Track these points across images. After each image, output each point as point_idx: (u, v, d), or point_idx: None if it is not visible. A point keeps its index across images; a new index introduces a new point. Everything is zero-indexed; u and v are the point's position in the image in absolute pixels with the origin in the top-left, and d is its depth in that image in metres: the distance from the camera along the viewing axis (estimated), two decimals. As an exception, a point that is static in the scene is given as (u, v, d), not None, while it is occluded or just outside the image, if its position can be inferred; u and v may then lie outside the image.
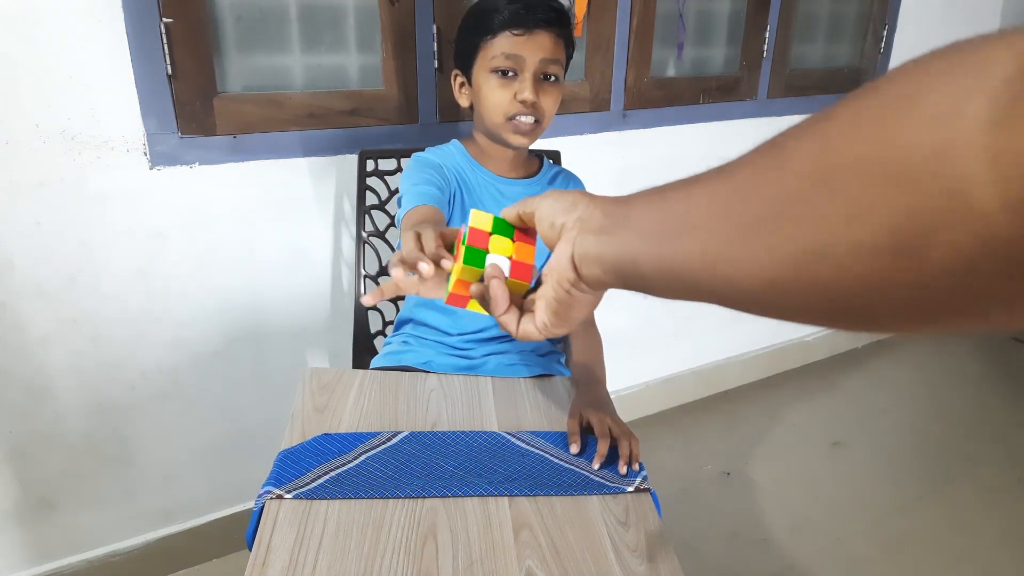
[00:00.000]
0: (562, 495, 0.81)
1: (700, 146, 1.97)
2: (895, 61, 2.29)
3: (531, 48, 1.05)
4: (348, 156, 1.45)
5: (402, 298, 1.41)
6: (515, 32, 1.04)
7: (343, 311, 1.55)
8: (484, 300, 0.56)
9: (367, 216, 1.36)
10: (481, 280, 0.57)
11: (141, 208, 1.30)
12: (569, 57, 1.13)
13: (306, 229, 1.47)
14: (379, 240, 1.37)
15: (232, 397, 1.49)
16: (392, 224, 1.39)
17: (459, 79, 1.15)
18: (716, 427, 2.16)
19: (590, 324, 1.21)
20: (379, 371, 1.07)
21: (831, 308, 0.30)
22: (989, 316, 0.26)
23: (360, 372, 1.04)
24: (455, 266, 0.57)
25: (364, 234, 1.36)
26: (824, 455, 2.04)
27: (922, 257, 0.25)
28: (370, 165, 1.37)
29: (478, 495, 0.79)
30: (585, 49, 1.70)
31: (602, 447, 0.87)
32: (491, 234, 0.57)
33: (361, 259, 1.36)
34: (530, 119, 1.07)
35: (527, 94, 1.04)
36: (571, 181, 1.24)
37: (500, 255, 0.57)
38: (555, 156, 1.43)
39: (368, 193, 1.36)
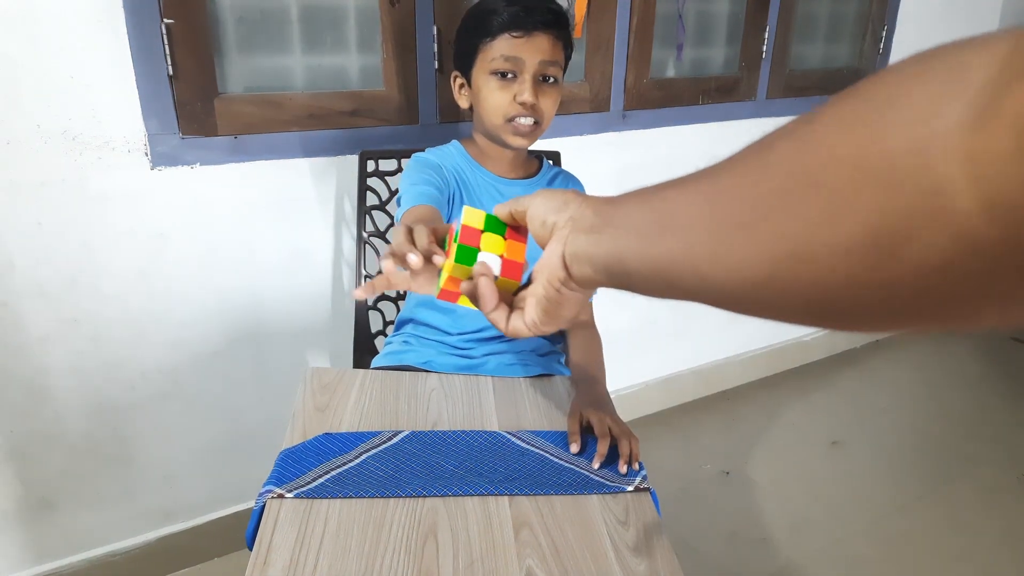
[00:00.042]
0: (562, 494, 0.81)
1: (700, 146, 1.97)
2: (894, 61, 2.29)
3: (530, 50, 1.05)
4: (349, 157, 1.46)
5: (402, 298, 1.42)
6: (514, 34, 1.05)
7: (344, 311, 1.55)
8: (474, 297, 0.57)
9: (368, 217, 1.37)
10: (472, 277, 0.57)
11: (142, 208, 1.30)
12: (568, 58, 1.13)
13: (307, 230, 1.47)
14: (380, 240, 1.37)
15: (232, 397, 1.49)
16: (393, 224, 1.39)
17: (459, 80, 1.15)
18: (716, 427, 2.17)
19: (589, 324, 1.21)
20: (380, 371, 1.07)
21: (811, 307, 0.31)
22: (968, 315, 0.26)
23: (361, 372, 1.04)
24: (446, 262, 0.57)
25: (365, 234, 1.36)
26: (823, 455, 2.04)
27: (899, 257, 0.25)
28: (371, 166, 1.38)
29: (478, 494, 0.79)
30: (585, 49, 1.71)
31: (602, 447, 0.87)
32: (483, 232, 0.57)
33: (362, 259, 1.37)
34: (529, 121, 1.07)
35: (526, 96, 1.05)
36: (570, 182, 1.24)
37: (491, 253, 0.57)
38: (555, 157, 1.43)
39: (369, 193, 1.37)
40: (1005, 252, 0.22)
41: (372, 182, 1.37)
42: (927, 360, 2.61)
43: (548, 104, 1.08)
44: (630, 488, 0.83)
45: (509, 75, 1.06)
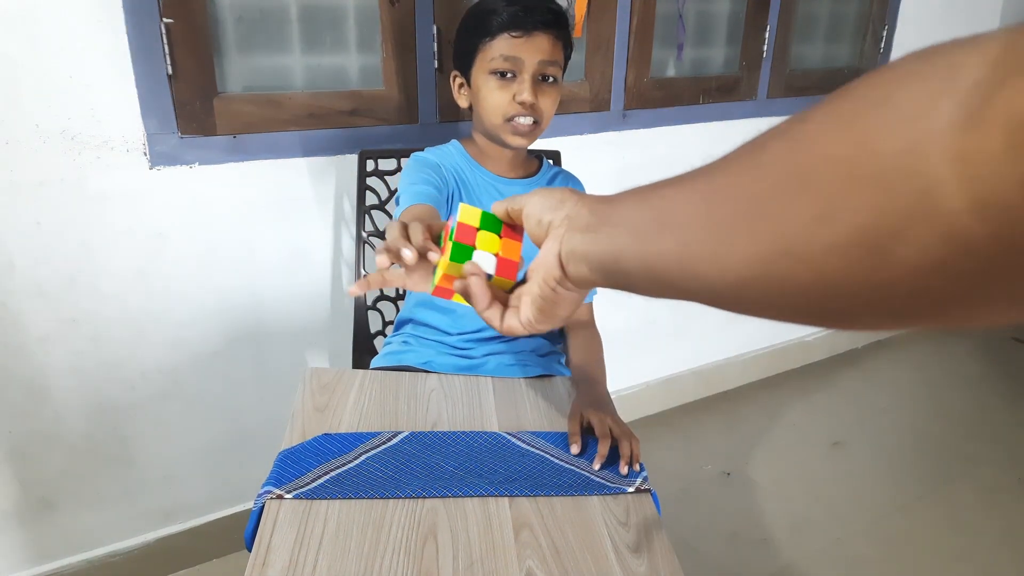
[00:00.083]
0: (562, 495, 0.81)
1: (700, 146, 1.97)
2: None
3: (529, 50, 1.05)
4: (348, 156, 1.46)
5: (402, 298, 1.42)
6: (513, 34, 1.05)
7: (343, 311, 1.55)
8: (467, 295, 0.56)
9: (367, 216, 1.36)
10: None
11: (141, 208, 1.30)
12: (567, 58, 1.13)
13: (306, 229, 1.47)
14: (379, 240, 1.37)
15: (232, 397, 1.49)
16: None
17: (458, 80, 1.15)
18: (716, 427, 2.16)
19: (590, 324, 1.21)
20: (379, 371, 1.07)
21: (806, 306, 0.31)
22: (964, 314, 0.26)
23: (360, 372, 1.04)
24: (441, 260, 0.57)
25: (364, 234, 1.36)
26: (824, 455, 2.04)
27: (891, 256, 0.25)
28: (370, 165, 1.37)
29: (478, 495, 0.79)
30: (585, 49, 1.70)
31: (603, 447, 0.87)
32: (479, 229, 0.57)
33: (361, 259, 1.36)
34: (529, 120, 1.07)
35: (525, 96, 1.05)
36: (570, 181, 1.24)
37: (486, 251, 0.57)
38: (555, 156, 1.43)
39: (368, 193, 1.36)
40: (997, 252, 0.22)
41: (371, 181, 1.37)
42: (927, 360, 2.61)
43: (547, 104, 1.08)
44: (631, 489, 0.83)
45: (508, 75, 1.06)
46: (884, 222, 0.25)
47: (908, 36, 2.28)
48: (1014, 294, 0.24)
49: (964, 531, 1.72)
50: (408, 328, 1.20)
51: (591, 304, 1.23)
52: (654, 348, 2.12)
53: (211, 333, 1.43)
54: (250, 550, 0.71)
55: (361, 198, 1.36)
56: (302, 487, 0.78)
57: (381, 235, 1.38)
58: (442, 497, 0.79)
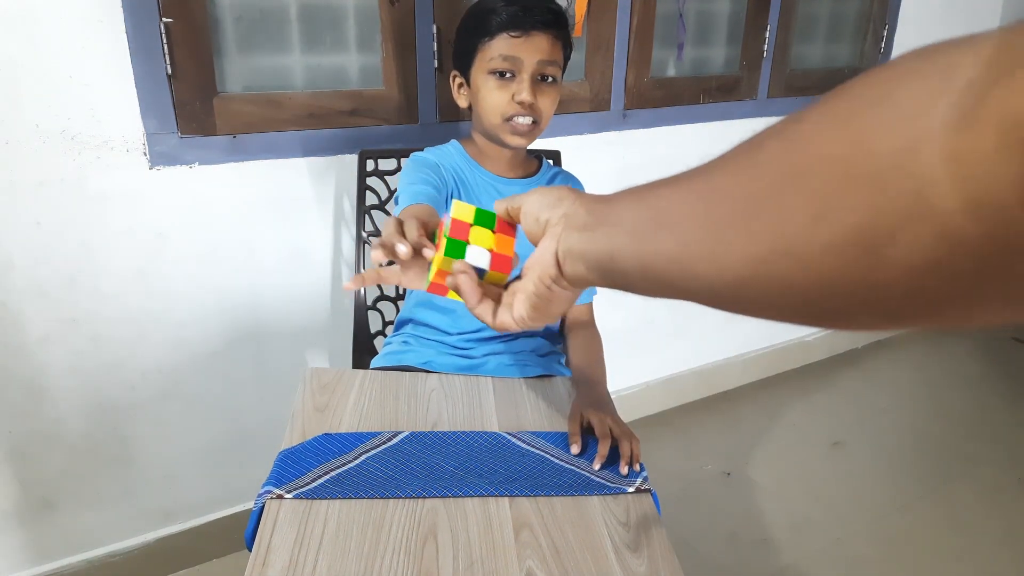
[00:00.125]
0: (563, 495, 0.81)
1: (700, 146, 1.97)
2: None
3: (528, 50, 1.05)
4: (348, 156, 1.45)
5: (402, 298, 1.42)
6: (512, 34, 1.05)
7: (343, 311, 1.55)
8: (457, 292, 0.57)
9: (367, 216, 1.36)
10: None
11: (141, 208, 1.30)
12: (567, 58, 1.13)
13: (306, 229, 1.47)
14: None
15: (232, 397, 1.49)
16: (392, 224, 1.39)
17: (457, 80, 1.15)
18: (716, 427, 2.16)
19: (590, 324, 1.21)
20: (379, 371, 1.07)
21: (802, 306, 0.31)
22: (959, 313, 0.26)
23: (360, 372, 1.04)
24: (436, 256, 0.57)
25: (364, 234, 1.36)
26: (824, 455, 2.04)
27: (884, 255, 0.25)
28: (370, 165, 1.37)
29: (478, 495, 0.79)
30: (585, 49, 1.70)
31: (603, 448, 0.87)
32: (472, 225, 0.57)
33: (361, 259, 1.36)
34: (528, 120, 1.07)
35: (524, 95, 1.05)
36: (570, 181, 1.24)
37: (480, 247, 0.57)
38: (555, 156, 1.43)
39: (368, 193, 1.36)
40: (991, 252, 0.22)
41: (371, 181, 1.37)
42: (927, 360, 2.61)
43: (546, 103, 1.08)
44: (631, 489, 0.83)
45: (507, 75, 1.06)
46: (878, 222, 0.25)
47: (908, 36, 2.28)
48: (1009, 294, 0.24)
49: (964, 531, 1.72)
50: (408, 328, 1.20)
51: (591, 304, 1.23)
52: (654, 348, 2.12)
53: (211, 333, 1.43)
54: (250, 550, 0.71)
55: (361, 198, 1.36)
56: (302, 487, 0.78)
57: (380, 234, 1.37)
58: (442, 497, 0.79)
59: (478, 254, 0.57)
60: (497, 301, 0.57)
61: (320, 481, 0.79)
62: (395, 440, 0.88)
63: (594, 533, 0.76)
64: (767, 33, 2.00)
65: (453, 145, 1.18)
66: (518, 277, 0.55)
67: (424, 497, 0.78)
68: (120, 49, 1.20)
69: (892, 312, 0.28)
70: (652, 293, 0.41)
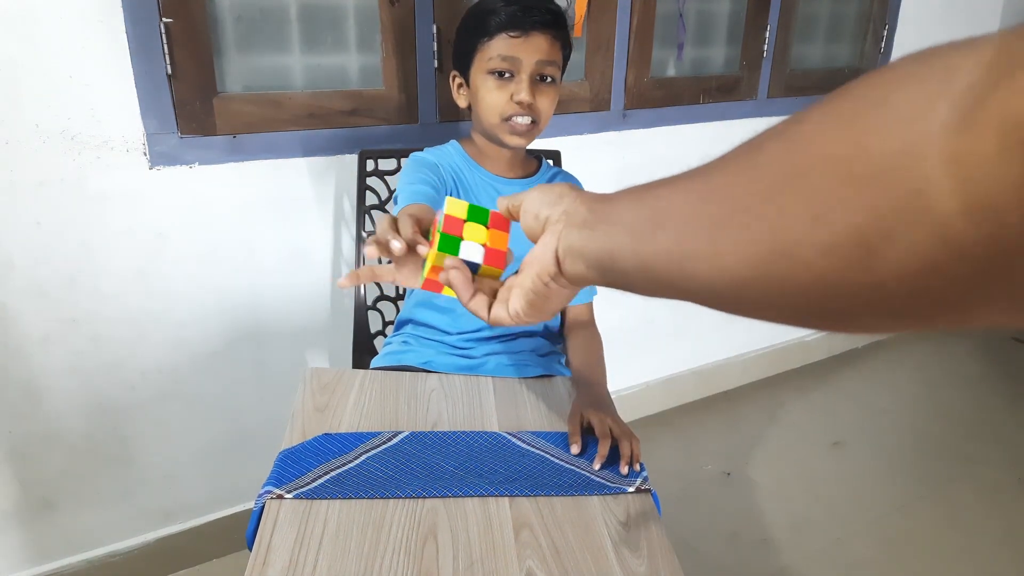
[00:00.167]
0: (563, 495, 0.81)
1: (700, 146, 1.97)
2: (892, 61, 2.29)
3: (527, 50, 1.05)
4: (348, 156, 1.45)
5: (402, 298, 1.42)
6: (511, 34, 1.05)
7: (343, 311, 1.55)
8: (452, 286, 0.57)
9: (367, 216, 1.36)
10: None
11: (141, 208, 1.30)
12: (566, 59, 1.13)
13: (306, 229, 1.47)
14: (379, 240, 1.37)
15: (232, 397, 1.49)
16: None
17: (457, 80, 1.15)
18: (716, 427, 2.16)
19: (590, 324, 1.21)
20: (379, 371, 1.07)
21: (797, 307, 0.31)
22: (959, 316, 0.26)
23: (360, 372, 1.04)
24: (430, 252, 0.57)
25: (364, 234, 1.36)
26: (824, 455, 2.04)
27: (883, 257, 0.25)
28: (370, 165, 1.37)
29: (478, 495, 0.79)
30: (585, 49, 1.70)
31: (603, 447, 0.87)
32: (466, 221, 0.57)
33: (361, 259, 1.36)
34: (526, 120, 1.07)
35: (523, 95, 1.05)
36: (569, 182, 1.24)
37: (474, 242, 0.57)
38: (555, 156, 1.43)
39: (368, 193, 1.36)
40: (990, 255, 0.22)
41: (371, 181, 1.37)
42: (927, 360, 2.61)
43: (545, 104, 1.08)
44: (631, 489, 0.83)
45: (506, 75, 1.07)
46: (878, 223, 0.25)
47: (908, 36, 2.28)
48: (1014, 295, 0.24)
49: (964, 531, 1.72)
50: (408, 328, 1.20)
51: (591, 304, 1.23)
52: (654, 348, 2.12)
53: (211, 333, 1.43)
54: (251, 550, 0.71)
55: (361, 198, 1.36)
56: (302, 487, 0.78)
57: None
58: (442, 497, 0.79)
59: (472, 249, 0.57)
60: (492, 296, 0.57)
61: (320, 481, 0.79)
62: (395, 440, 0.88)
63: (594, 533, 0.76)
64: (767, 33, 2.00)
65: (452, 145, 1.18)
66: (516, 272, 0.55)
67: (424, 497, 0.78)
68: (120, 49, 1.20)
69: (892, 314, 0.28)
70: (651, 293, 0.41)
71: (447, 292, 0.59)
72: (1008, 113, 0.21)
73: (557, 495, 0.81)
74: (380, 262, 0.63)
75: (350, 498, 0.77)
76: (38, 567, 1.39)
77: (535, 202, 0.51)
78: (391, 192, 1.38)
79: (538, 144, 1.19)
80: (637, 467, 0.87)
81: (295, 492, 0.77)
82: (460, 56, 1.13)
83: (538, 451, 0.88)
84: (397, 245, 0.57)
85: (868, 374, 2.51)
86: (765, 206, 0.30)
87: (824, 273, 0.28)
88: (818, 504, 1.82)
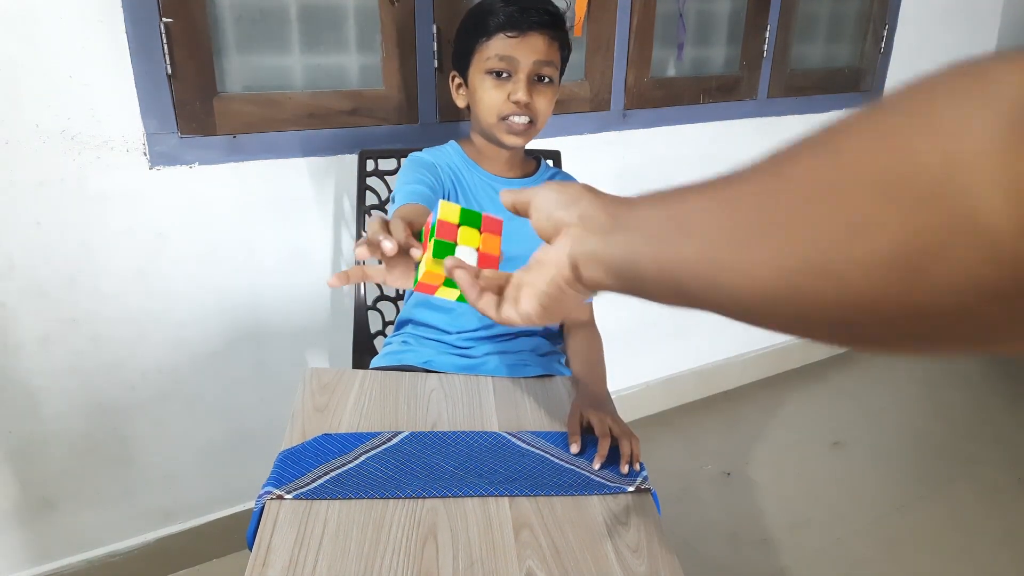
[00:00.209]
0: (562, 495, 0.81)
1: (700, 146, 1.97)
2: (895, 61, 2.29)
3: (525, 50, 1.05)
4: (348, 156, 1.45)
5: (402, 298, 1.42)
6: (509, 34, 1.05)
7: (343, 311, 1.55)
8: (459, 286, 0.57)
9: (367, 216, 1.36)
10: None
11: (141, 208, 1.30)
12: (565, 59, 1.13)
13: (306, 229, 1.47)
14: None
15: (232, 397, 1.49)
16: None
17: (456, 80, 1.15)
18: (716, 427, 2.16)
19: (590, 324, 1.21)
20: (379, 371, 1.07)
21: (830, 323, 0.30)
22: (1004, 339, 0.25)
23: (360, 372, 1.04)
24: (425, 257, 0.58)
25: (364, 234, 1.36)
26: (824, 455, 2.04)
27: (928, 276, 0.24)
28: (370, 165, 1.37)
29: (478, 495, 0.79)
30: (585, 49, 1.70)
31: (603, 447, 0.87)
32: (459, 226, 0.57)
33: (361, 259, 1.36)
34: (523, 119, 1.07)
35: (520, 95, 1.05)
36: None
37: (468, 246, 0.57)
38: (555, 156, 1.43)
39: (368, 193, 1.36)
40: None
41: (371, 181, 1.37)
42: (927, 360, 2.60)
43: (543, 103, 1.08)
44: (631, 488, 0.83)
45: (504, 74, 1.07)
46: (922, 241, 0.24)
47: (908, 36, 2.28)
48: None
49: (964, 531, 1.72)
50: (408, 328, 1.20)
51: (591, 304, 1.23)
52: (654, 348, 2.12)
53: (211, 333, 1.43)
54: (252, 550, 0.71)
55: (361, 198, 1.36)
56: (302, 487, 0.78)
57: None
58: (442, 497, 0.79)
59: (465, 253, 0.57)
60: (498, 294, 0.56)
61: (320, 481, 0.79)
62: (395, 440, 0.88)
63: (594, 533, 0.76)
64: (767, 33, 2.00)
65: (451, 146, 1.18)
66: (525, 269, 0.55)
67: (424, 497, 0.78)
68: (120, 49, 1.20)
69: (929, 335, 0.27)
70: (674, 302, 0.40)
71: (440, 294, 0.59)
72: None
73: (557, 495, 0.80)
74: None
75: (350, 498, 0.77)
76: (38, 567, 1.39)
77: (548, 202, 0.50)
78: (391, 192, 1.38)
79: (538, 144, 1.19)
80: (637, 467, 0.87)
81: (295, 492, 0.77)
82: (459, 56, 1.13)
83: (538, 451, 0.88)
84: (388, 245, 0.56)
85: (868, 374, 2.51)
86: (799, 218, 0.29)
87: (862, 290, 0.27)
88: (818, 504, 1.82)
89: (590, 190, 0.49)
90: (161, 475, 1.46)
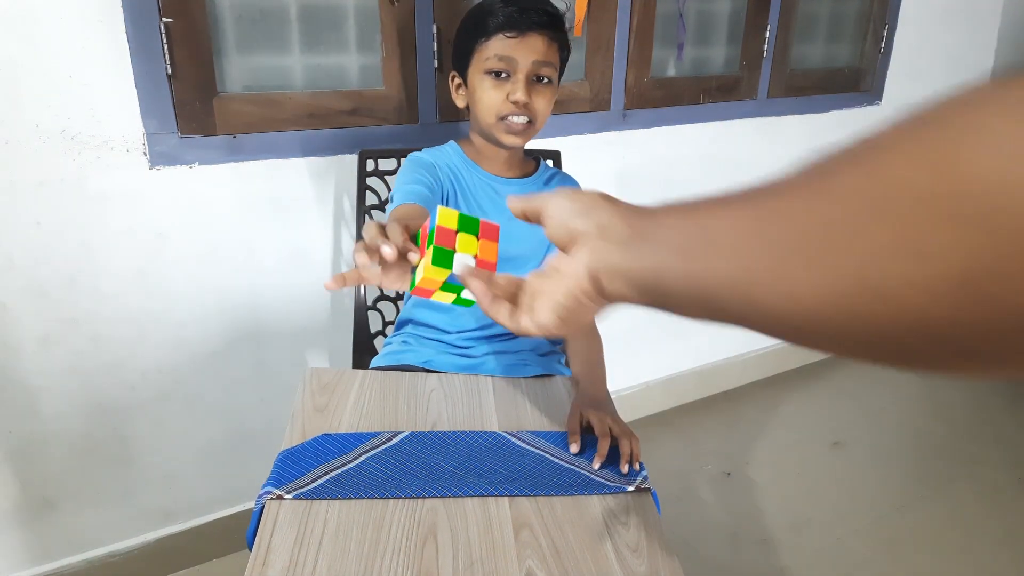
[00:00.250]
0: (562, 495, 0.81)
1: (700, 146, 1.97)
2: (895, 61, 2.29)
3: (523, 50, 1.06)
4: (348, 156, 1.45)
5: (402, 298, 1.42)
6: (508, 35, 1.05)
7: (343, 311, 1.55)
8: (472, 294, 0.56)
9: (367, 216, 1.36)
10: (450, 278, 0.57)
11: (141, 208, 1.30)
12: (564, 60, 1.14)
13: (306, 229, 1.47)
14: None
15: (232, 397, 1.49)
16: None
17: (456, 80, 1.16)
18: (716, 427, 2.16)
19: (590, 323, 1.21)
20: (379, 371, 1.07)
21: (876, 344, 0.29)
22: None
23: (360, 372, 1.04)
24: (423, 263, 0.57)
25: (362, 238, 1.36)
26: (824, 455, 2.03)
27: (992, 298, 0.24)
28: (370, 165, 1.38)
29: (478, 495, 0.79)
30: (585, 49, 1.70)
31: (602, 447, 0.87)
32: (457, 232, 0.57)
33: (361, 265, 1.36)
34: (522, 119, 1.07)
35: (519, 95, 1.05)
36: (567, 182, 1.24)
37: (466, 253, 0.57)
38: (555, 156, 1.43)
39: (368, 193, 1.36)
40: None
41: (371, 181, 1.37)
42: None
43: (542, 104, 1.09)
44: (631, 488, 0.83)
45: (503, 75, 1.07)
46: (985, 263, 0.23)
47: (908, 36, 2.28)
48: None
49: (964, 531, 1.72)
50: (408, 328, 1.20)
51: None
52: (654, 348, 2.12)
53: (211, 333, 1.43)
54: (251, 550, 0.71)
55: (361, 198, 1.36)
56: (302, 487, 0.78)
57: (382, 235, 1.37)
58: (442, 497, 0.79)
59: (464, 261, 0.57)
60: (511, 301, 0.55)
61: (320, 481, 0.79)
62: (395, 440, 0.88)
63: (594, 533, 0.76)
64: (767, 33, 2.00)
65: (451, 146, 1.18)
66: (540, 276, 0.53)
67: (424, 497, 0.78)
68: (120, 49, 1.20)
69: (989, 358, 0.26)
70: (701, 316, 0.39)
71: (437, 298, 0.59)
72: None
73: (557, 495, 0.80)
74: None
75: (350, 498, 0.77)
76: (38, 567, 1.39)
77: (563, 210, 0.49)
78: (391, 192, 1.38)
79: (538, 144, 1.19)
80: (637, 466, 0.87)
81: (295, 492, 0.77)
82: (459, 56, 1.13)
83: (538, 451, 0.88)
84: (388, 251, 0.56)
85: (868, 374, 2.51)
86: (844, 235, 0.28)
87: (916, 312, 0.26)
88: (818, 504, 1.82)
89: (606, 198, 0.47)
90: (161, 475, 1.46)
